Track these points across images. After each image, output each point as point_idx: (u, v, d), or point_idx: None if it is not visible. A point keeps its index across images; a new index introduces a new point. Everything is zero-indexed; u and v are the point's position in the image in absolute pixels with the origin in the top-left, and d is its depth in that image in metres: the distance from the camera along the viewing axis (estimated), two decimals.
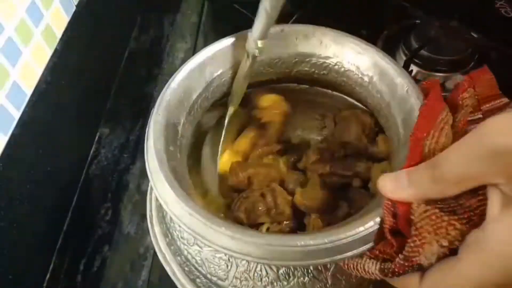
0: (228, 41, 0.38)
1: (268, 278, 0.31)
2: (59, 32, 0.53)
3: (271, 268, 0.31)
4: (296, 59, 0.40)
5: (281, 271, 0.31)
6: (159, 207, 0.38)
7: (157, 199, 0.36)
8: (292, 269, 0.31)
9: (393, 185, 0.26)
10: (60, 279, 0.47)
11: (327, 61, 0.39)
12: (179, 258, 0.35)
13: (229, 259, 0.32)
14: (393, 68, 0.36)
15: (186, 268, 0.35)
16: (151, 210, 0.39)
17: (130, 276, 0.46)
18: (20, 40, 0.45)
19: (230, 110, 0.41)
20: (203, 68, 0.37)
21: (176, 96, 0.35)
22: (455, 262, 0.22)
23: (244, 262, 0.31)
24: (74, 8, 0.57)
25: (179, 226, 0.30)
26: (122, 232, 0.50)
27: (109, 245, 0.49)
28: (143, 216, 0.50)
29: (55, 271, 0.48)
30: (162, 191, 0.30)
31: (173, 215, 0.29)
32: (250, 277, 0.31)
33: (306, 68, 0.40)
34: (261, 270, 0.31)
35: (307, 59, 0.40)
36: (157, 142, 0.32)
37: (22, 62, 0.45)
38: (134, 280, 0.46)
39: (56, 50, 0.52)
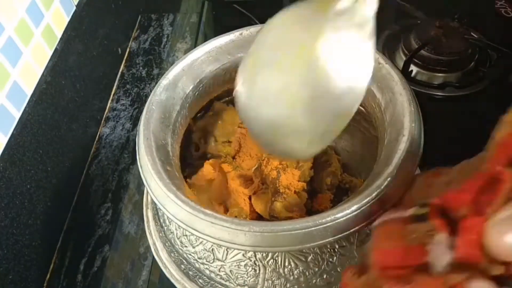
0: (193, 55, 0.39)
1: (298, 269, 0.31)
2: (59, 32, 0.53)
3: (298, 258, 0.31)
4: None
5: (310, 258, 0.31)
6: (155, 209, 0.38)
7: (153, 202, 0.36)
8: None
9: None
10: (60, 279, 0.47)
11: None
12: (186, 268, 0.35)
13: (255, 263, 0.31)
14: None
15: (190, 273, 0.34)
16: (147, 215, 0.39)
17: (130, 276, 0.46)
18: (20, 40, 0.45)
19: None
20: (175, 85, 0.37)
21: (158, 116, 0.35)
22: None
23: (271, 261, 0.31)
24: (74, 8, 0.57)
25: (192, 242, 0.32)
26: (122, 232, 0.50)
27: (109, 245, 0.49)
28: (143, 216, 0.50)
29: (55, 271, 0.48)
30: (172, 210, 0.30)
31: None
32: (281, 274, 0.31)
33: None
34: (289, 264, 0.31)
35: None
36: (153, 163, 0.32)
37: (22, 62, 0.45)
38: (134, 280, 0.46)
39: (56, 50, 0.52)
